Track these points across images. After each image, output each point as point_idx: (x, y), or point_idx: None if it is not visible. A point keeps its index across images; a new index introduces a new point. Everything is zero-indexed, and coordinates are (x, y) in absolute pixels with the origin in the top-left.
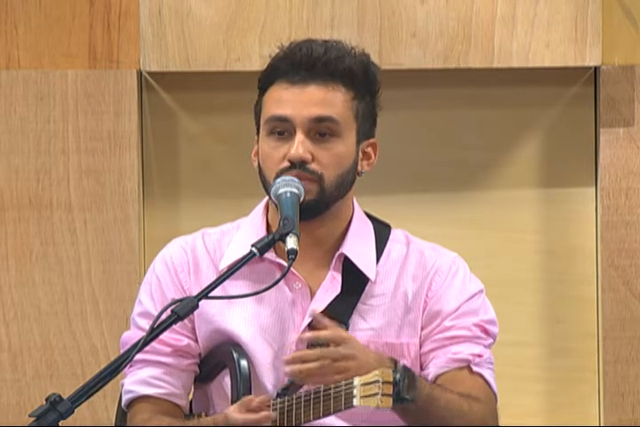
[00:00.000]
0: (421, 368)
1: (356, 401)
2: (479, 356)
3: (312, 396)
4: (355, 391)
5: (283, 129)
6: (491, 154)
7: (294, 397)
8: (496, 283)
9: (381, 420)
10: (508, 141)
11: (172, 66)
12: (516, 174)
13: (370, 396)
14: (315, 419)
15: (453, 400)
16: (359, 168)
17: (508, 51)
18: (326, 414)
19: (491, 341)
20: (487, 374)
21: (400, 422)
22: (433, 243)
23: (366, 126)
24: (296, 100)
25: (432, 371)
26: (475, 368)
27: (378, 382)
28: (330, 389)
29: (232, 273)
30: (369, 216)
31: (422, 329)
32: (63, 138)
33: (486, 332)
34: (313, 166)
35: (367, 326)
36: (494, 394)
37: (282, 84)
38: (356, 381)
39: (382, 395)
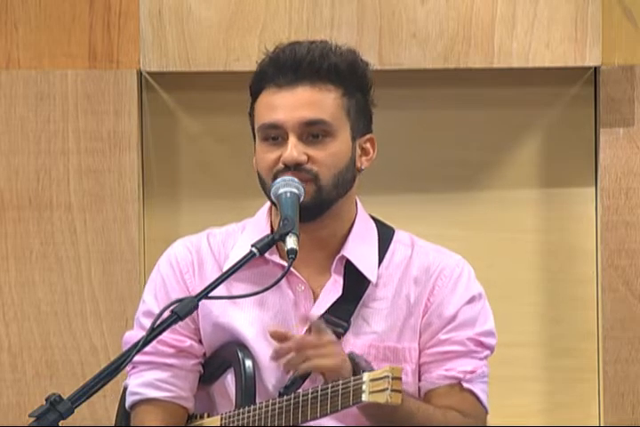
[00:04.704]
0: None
1: (364, 397)
2: (471, 372)
3: (319, 393)
4: (364, 387)
5: (276, 135)
6: (491, 154)
7: (300, 394)
8: (496, 283)
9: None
10: (508, 141)
11: (172, 66)
12: (516, 174)
13: (379, 391)
14: (322, 416)
15: (435, 415)
16: (358, 165)
17: (508, 51)
18: (333, 411)
19: (487, 353)
20: (478, 389)
21: (396, 423)
22: (439, 245)
23: (360, 123)
24: (286, 105)
25: (423, 385)
26: (465, 385)
27: (387, 377)
28: (337, 385)
29: (232, 273)
30: (373, 219)
31: (420, 335)
32: (63, 138)
33: (482, 345)
34: (308, 166)
35: (370, 330)
36: (484, 408)
37: (271, 89)
38: (365, 376)
39: (392, 391)
